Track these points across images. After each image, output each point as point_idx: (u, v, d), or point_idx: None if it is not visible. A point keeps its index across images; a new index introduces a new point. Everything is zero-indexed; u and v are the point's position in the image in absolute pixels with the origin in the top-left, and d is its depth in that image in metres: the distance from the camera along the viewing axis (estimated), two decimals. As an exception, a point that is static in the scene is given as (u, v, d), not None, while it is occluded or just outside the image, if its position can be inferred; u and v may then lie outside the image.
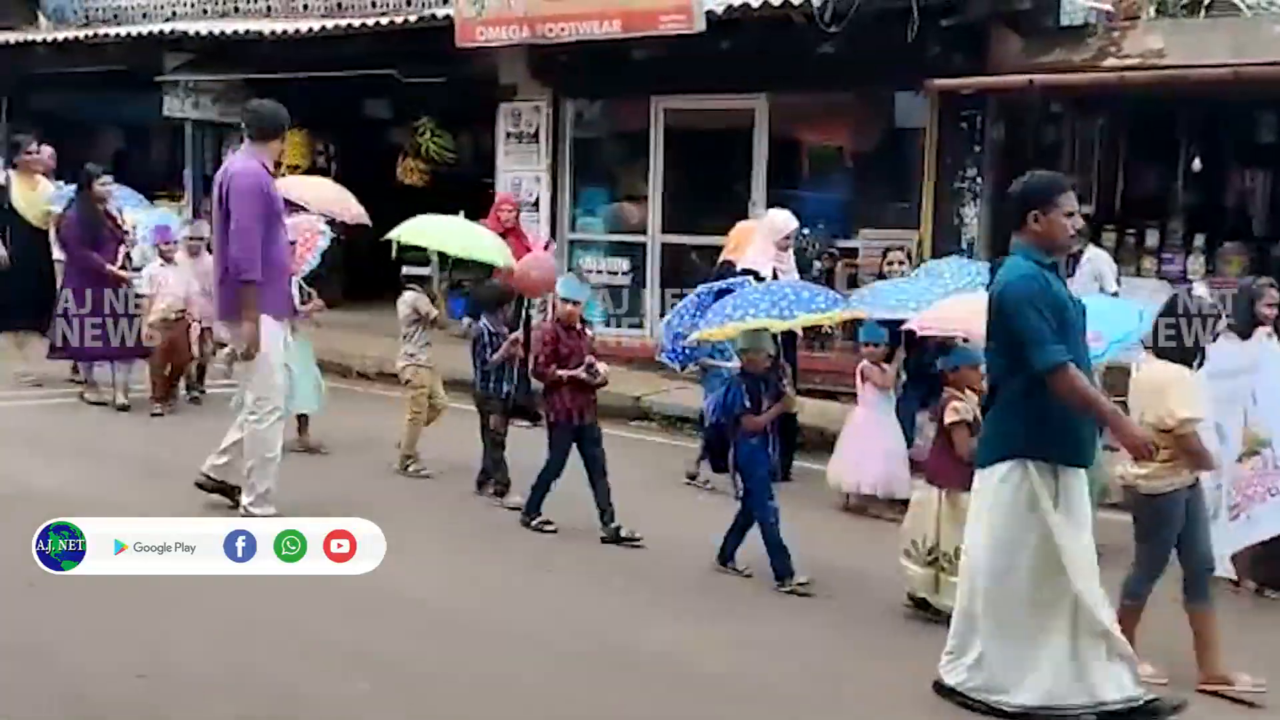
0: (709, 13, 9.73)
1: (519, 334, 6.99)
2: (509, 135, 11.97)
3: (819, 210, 10.79)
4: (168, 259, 8.99)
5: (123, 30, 13.58)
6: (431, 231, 7.34)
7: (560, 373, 6.25)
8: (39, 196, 9.67)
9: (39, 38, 14.01)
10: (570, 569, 5.86)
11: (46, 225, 9.54)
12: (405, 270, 7.52)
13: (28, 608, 4.58)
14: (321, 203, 8.91)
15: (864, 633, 5.20)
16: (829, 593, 5.56)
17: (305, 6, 12.95)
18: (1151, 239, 9.72)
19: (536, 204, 11.90)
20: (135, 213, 10.11)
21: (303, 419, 7.82)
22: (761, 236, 7.94)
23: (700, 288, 7.30)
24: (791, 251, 8.01)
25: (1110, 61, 9.23)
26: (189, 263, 9.01)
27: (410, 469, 7.37)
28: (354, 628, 4.88)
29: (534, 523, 6.36)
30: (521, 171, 11.99)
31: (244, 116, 6.30)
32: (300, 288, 7.57)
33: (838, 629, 5.21)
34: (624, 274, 11.52)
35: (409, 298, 7.41)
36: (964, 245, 9.85)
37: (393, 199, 10.54)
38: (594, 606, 5.35)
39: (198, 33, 12.75)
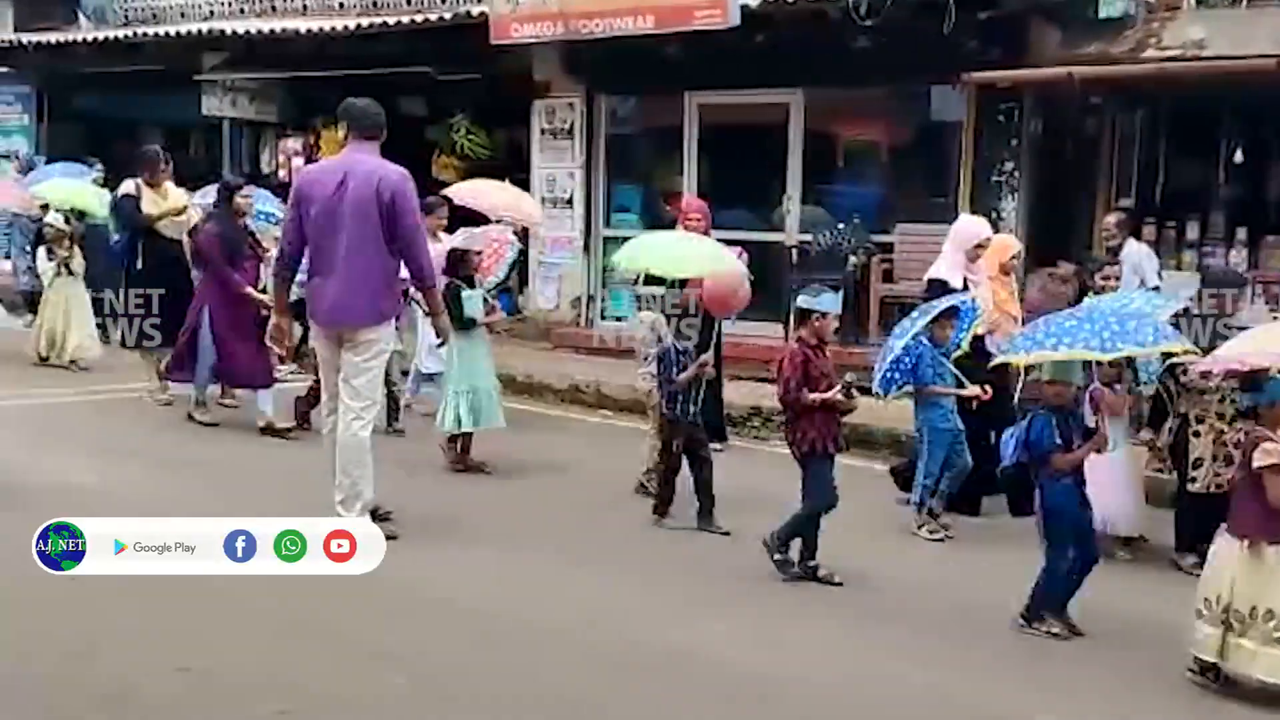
0: (743, 7, 9.70)
1: (709, 355, 6.43)
2: (543, 132, 12.00)
3: (854, 205, 10.75)
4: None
5: (161, 30, 13.71)
6: (655, 252, 6.85)
7: (814, 397, 5.56)
8: (170, 204, 9.11)
9: (79, 38, 14.16)
10: (824, 616, 5.32)
11: (180, 235, 8.96)
12: (641, 290, 6.97)
13: (72, 604, 4.61)
14: (497, 209, 8.75)
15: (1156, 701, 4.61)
16: (1103, 643, 5.02)
17: (341, 5, 13.02)
18: (1192, 232, 9.60)
19: (570, 200, 11.91)
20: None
21: (466, 437, 7.48)
22: (951, 246, 7.26)
23: (920, 308, 6.65)
24: (983, 261, 7.19)
25: (1150, 53, 9.13)
26: None
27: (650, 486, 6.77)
28: (412, 633, 4.89)
29: (789, 566, 5.66)
30: (556, 168, 12.01)
31: (352, 116, 5.99)
32: (484, 299, 7.48)
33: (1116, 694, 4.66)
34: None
35: (646, 318, 6.87)
36: (1001, 240, 9.77)
37: (427, 196, 10.57)
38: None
39: (235, 32, 12.85)
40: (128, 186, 9.07)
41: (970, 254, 7.11)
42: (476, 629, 4.93)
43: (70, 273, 10.35)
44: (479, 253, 7.57)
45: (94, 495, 6.20)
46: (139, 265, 8.91)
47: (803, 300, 5.84)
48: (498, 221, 8.92)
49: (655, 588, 5.55)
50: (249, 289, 8.28)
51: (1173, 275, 8.89)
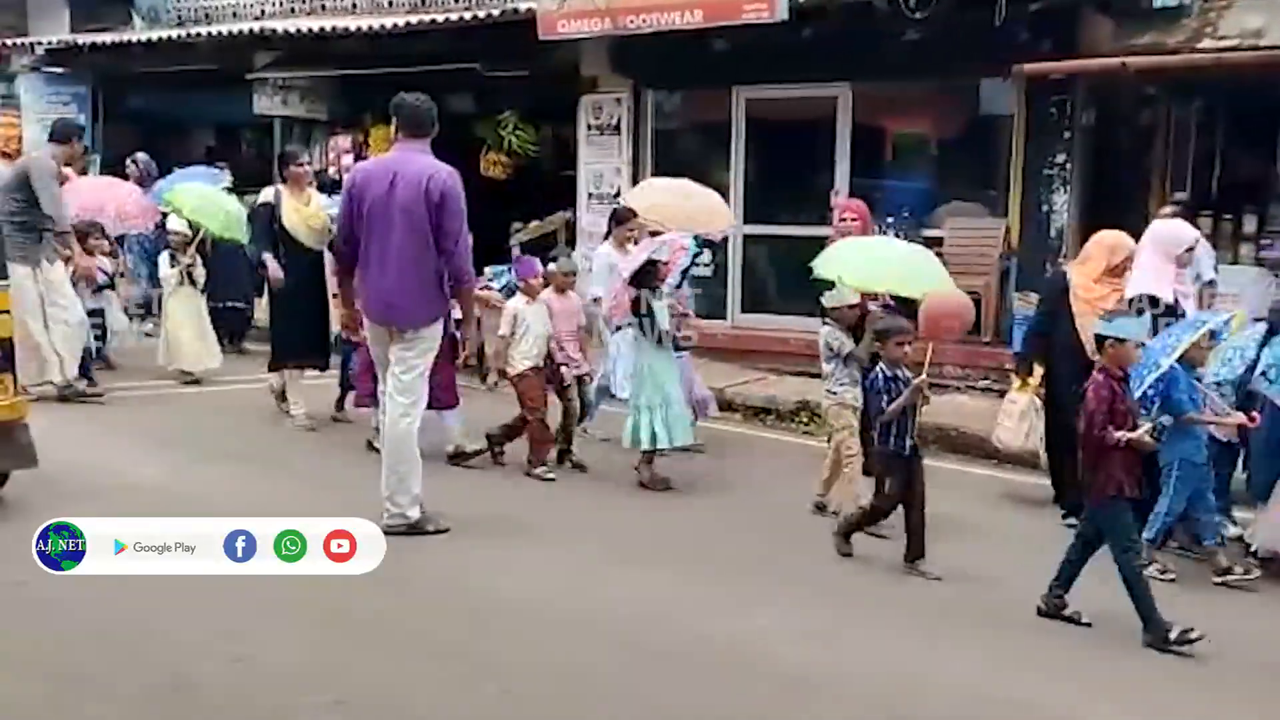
0: (791, 0, 9.65)
1: (923, 378, 5.72)
2: (590, 128, 12.01)
3: (904, 199, 10.67)
4: (531, 295, 7.49)
5: (213, 29, 13.88)
6: (859, 263, 6.44)
7: (1120, 435, 4.99)
8: (313, 211, 8.41)
9: (133, 38, 14.35)
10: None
11: (322, 244, 8.28)
12: (837, 302, 6.51)
13: (130, 593, 4.68)
14: (681, 220, 7.97)
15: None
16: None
17: (390, 2, 13.12)
18: (1249, 225, 9.44)
19: (617, 196, 11.90)
20: None
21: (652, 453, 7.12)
22: (1154, 251, 6.66)
23: (1176, 327, 6.11)
24: (1188, 270, 6.81)
25: (1207, 42, 8.98)
26: (555, 300, 7.60)
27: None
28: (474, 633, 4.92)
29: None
30: (602, 164, 12.02)
31: (403, 113, 6.00)
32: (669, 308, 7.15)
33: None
34: (705, 265, 11.45)
35: (824, 332, 6.53)
36: (1053, 234, 9.67)
37: (475, 193, 10.63)
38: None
39: (286, 30, 12.97)
40: (267, 194, 8.44)
41: (1181, 259, 6.69)
42: (635, 646, 4.84)
43: (192, 282, 9.91)
44: (666, 262, 7.15)
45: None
46: (281, 279, 8.28)
47: (1099, 326, 5.30)
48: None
49: (875, 624, 5.17)
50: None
51: (1229, 269, 8.74)
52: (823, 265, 6.53)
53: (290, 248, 8.21)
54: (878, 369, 5.82)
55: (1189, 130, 9.80)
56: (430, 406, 6.85)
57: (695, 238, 7.43)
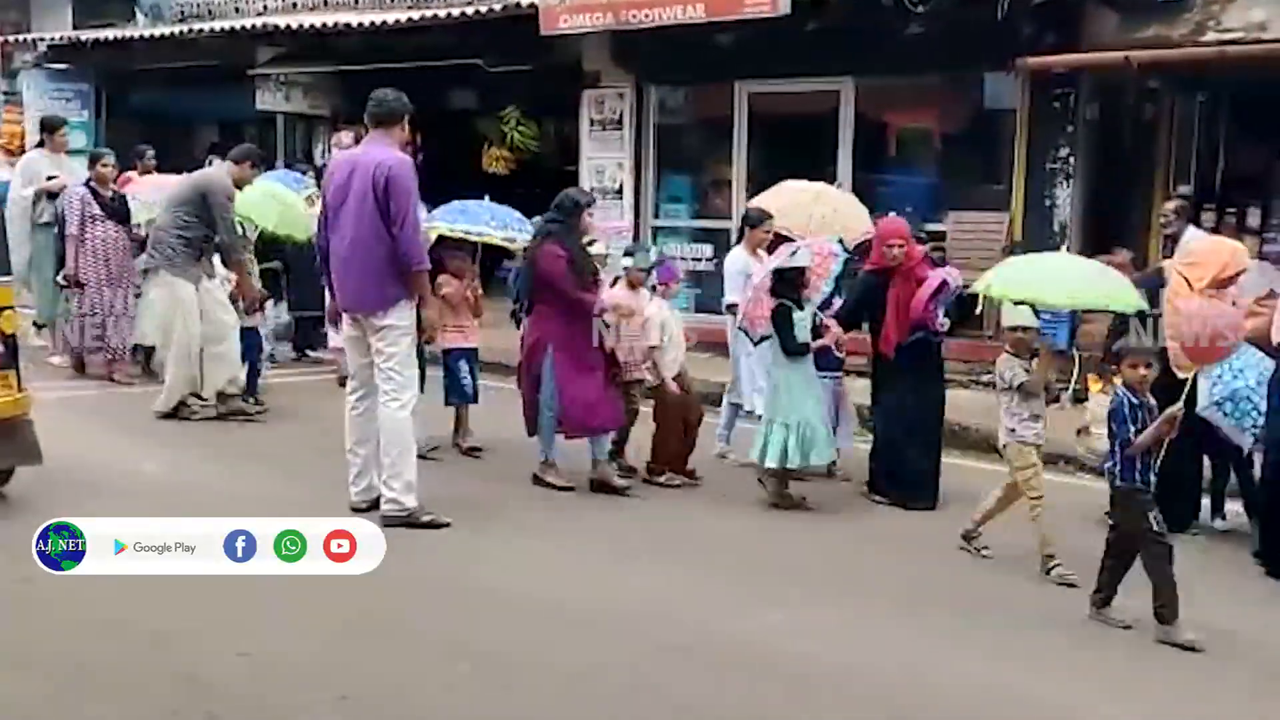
0: (793, -5, 9.64)
1: (1178, 408, 5.05)
2: (593, 123, 12.01)
3: (907, 193, 10.65)
4: (667, 299, 7.22)
5: (216, 25, 13.89)
6: (1040, 281, 5.77)
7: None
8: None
9: (135, 34, 14.38)
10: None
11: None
12: (1009, 322, 5.83)
13: (135, 590, 4.69)
14: (808, 224, 7.58)
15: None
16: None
17: (392, -1, 13.13)
18: (1253, 219, 9.43)
19: (620, 191, 11.92)
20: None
21: (786, 471, 6.65)
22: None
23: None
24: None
25: (1210, 35, 8.96)
26: (626, 297, 7.13)
27: (1054, 571, 5.60)
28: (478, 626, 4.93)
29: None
30: (605, 159, 12.01)
31: (369, 107, 6.10)
32: (814, 318, 6.68)
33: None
34: (708, 260, 11.47)
35: (1000, 360, 5.79)
36: (1056, 228, 9.66)
37: (478, 189, 10.64)
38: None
39: (288, 26, 12.98)
40: None
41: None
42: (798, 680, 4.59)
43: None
44: (809, 270, 6.71)
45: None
46: None
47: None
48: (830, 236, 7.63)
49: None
50: (606, 333, 6.88)
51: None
52: (999, 286, 5.75)
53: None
54: (1121, 396, 5.12)
55: (1192, 123, 9.79)
56: (598, 431, 6.80)
57: (842, 243, 6.98)
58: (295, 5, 13.95)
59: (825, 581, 5.59)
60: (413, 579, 5.08)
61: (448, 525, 5.93)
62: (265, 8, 14.19)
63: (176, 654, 4.42)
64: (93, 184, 9.35)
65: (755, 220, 7.57)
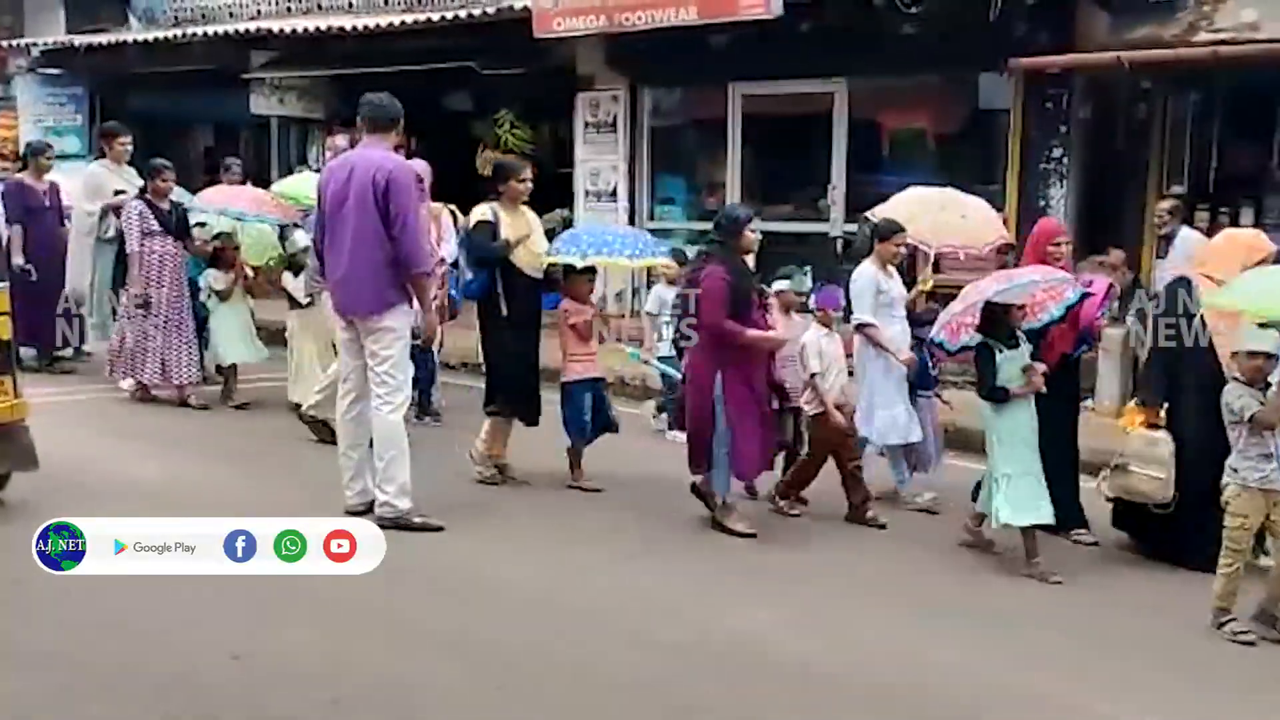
0: (786, -4, 9.66)
1: None
2: (587, 125, 12.02)
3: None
4: (827, 326, 6.56)
5: (210, 29, 13.88)
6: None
7: None
8: (528, 233, 6.93)
9: (129, 39, 14.37)
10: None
11: (539, 272, 6.88)
12: (1248, 346, 5.07)
13: (129, 591, 4.69)
14: (932, 234, 7.18)
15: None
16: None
17: (386, 1, 13.13)
18: (1246, 218, 9.43)
19: (614, 193, 11.93)
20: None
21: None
22: None
23: None
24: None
25: (1202, 36, 8.99)
26: (781, 322, 6.68)
27: (1227, 627, 5.04)
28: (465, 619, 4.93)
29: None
30: (599, 161, 12.03)
31: (361, 110, 6.08)
32: (1027, 352, 5.81)
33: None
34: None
35: (1232, 389, 5.10)
36: (1050, 227, 9.67)
37: (473, 192, 10.65)
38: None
39: (282, 30, 12.98)
40: (484, 211, 6.82)
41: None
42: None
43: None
44: (1023, 308, 5.86)
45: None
46: (504, 313, 6.77)
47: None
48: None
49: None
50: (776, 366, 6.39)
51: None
52: (1245, 303, 5.23)
53: (508, 276, 6.78)
54: None
55: (1185, 123, 9.81)
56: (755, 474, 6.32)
57: (1077, 287, 6.08)
58: (289, 9, 13.96)
59: (828, 581, 5.59)
60: (408, 578, 5.08)
61: (441, 529, 5.91)
62: (259, 12, 14.19)
63: (169, 655, 4.41)
64: (149, 197, 8.78)
65: (886, 232, 6.85)
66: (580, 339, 6.85)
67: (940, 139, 11.01)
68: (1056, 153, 9.68)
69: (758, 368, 6.14)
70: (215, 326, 8.99)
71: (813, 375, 6.37)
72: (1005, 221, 9.78)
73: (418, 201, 5.99)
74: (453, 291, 7.51)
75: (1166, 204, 8.76)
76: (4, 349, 5.95)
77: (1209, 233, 8.98)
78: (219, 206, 9.10)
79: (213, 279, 8.95)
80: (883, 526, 6.38)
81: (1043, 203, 9.71)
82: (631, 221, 11.90)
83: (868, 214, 7.36)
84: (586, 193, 12.09)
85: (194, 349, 8.87)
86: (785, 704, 4.27)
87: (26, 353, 9.25)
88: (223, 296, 8.92)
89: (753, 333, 6.01)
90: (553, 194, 12.50)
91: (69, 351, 9.96)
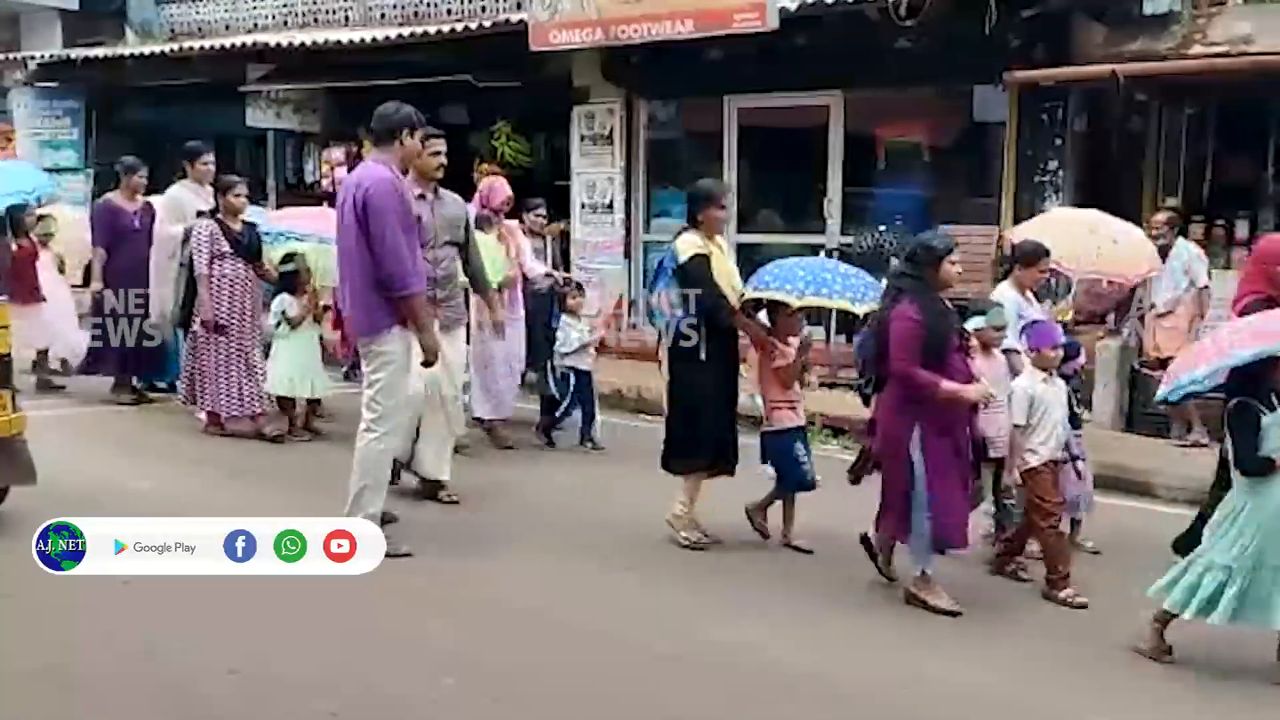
0: (782, 10, 9.69)
1: None
2: (583, 138, 12.04)
3: (897, 206, 10.70)
4: (1046, 369, 5.68)
5: (206, 43, 13.91)
6: None
7: None
8: (731, 267, 6.28)
9: (126, 52, 14.38)
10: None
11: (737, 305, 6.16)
12: None
13: (123, 604, 4.69)
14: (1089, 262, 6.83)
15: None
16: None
17: (383, 15, 13.16)
18: (1242, 230, 9.46)
19: (611, 205, 11.95)
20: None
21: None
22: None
23: None
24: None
25: (1197, 49, 9.03)
26: (980, 363, 5.85)
27: None
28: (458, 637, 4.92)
29: None
30: (595, 173, 12.04)
31: (371, 125, 5.87)
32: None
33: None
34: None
35: None
36: (1046, 240, 9.69)
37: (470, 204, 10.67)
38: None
39: (279, 44, 13.00)
40: (695, 242, 6.02)
41: None
42: None
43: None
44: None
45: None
46: (702, 357, 6.00)
47: None
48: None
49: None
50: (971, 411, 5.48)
51: (1222, 274, 8.78)
52: None
53: (717, 313, 6.09)
54: None
55: (1180, 136, 9.85)
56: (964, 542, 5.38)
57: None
58: (286, 23, 13.99)
59: (816, 591, 5.57)
60: (402, 593, 5.08)
61: (409, 555, 5.60)
62: (256, 25, 14.22)
63: (164, 668, 4.40)
64: (220, 216, 8.26)
65: (1030, 255, 6.33)
66: (782, 384, 6.13)
67: (936, 151, 11.04)
68: (1052, 165, 9.71)
69: (960, 418, 5.38)
70: (282, 356, 8.36)
71: (1016, 427, 5.59)
72: (1001, 234, 9.87)
73: (400, 218, 5.63)
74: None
75: (1162, 216, 8.78)
76: (3, 364, 5.95)
77: (1204, 244, 9.04)
78: (282, 229, 8.74)
79: (287, 304, 8.31)
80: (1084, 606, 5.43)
81: (1039, 215, 9.72)
82: (628, 234, 11.93)
83: (1005, 232, 6.79)
84: (583, 205, 12.10)
85: (259, 378, 8.35)
86: (777, 713, 4.25)
87: (99, 380, 9.29)
88: (294, 324, 8.31)
89: (950, 385, 5.17)
90: (549, 207, 12.53)
91: (160, 384, 9.52)
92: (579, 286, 8.75)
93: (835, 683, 4.53)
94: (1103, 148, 9.98)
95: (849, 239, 10.69)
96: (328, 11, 13.74)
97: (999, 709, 4.39)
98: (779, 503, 6.26)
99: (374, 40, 12.03)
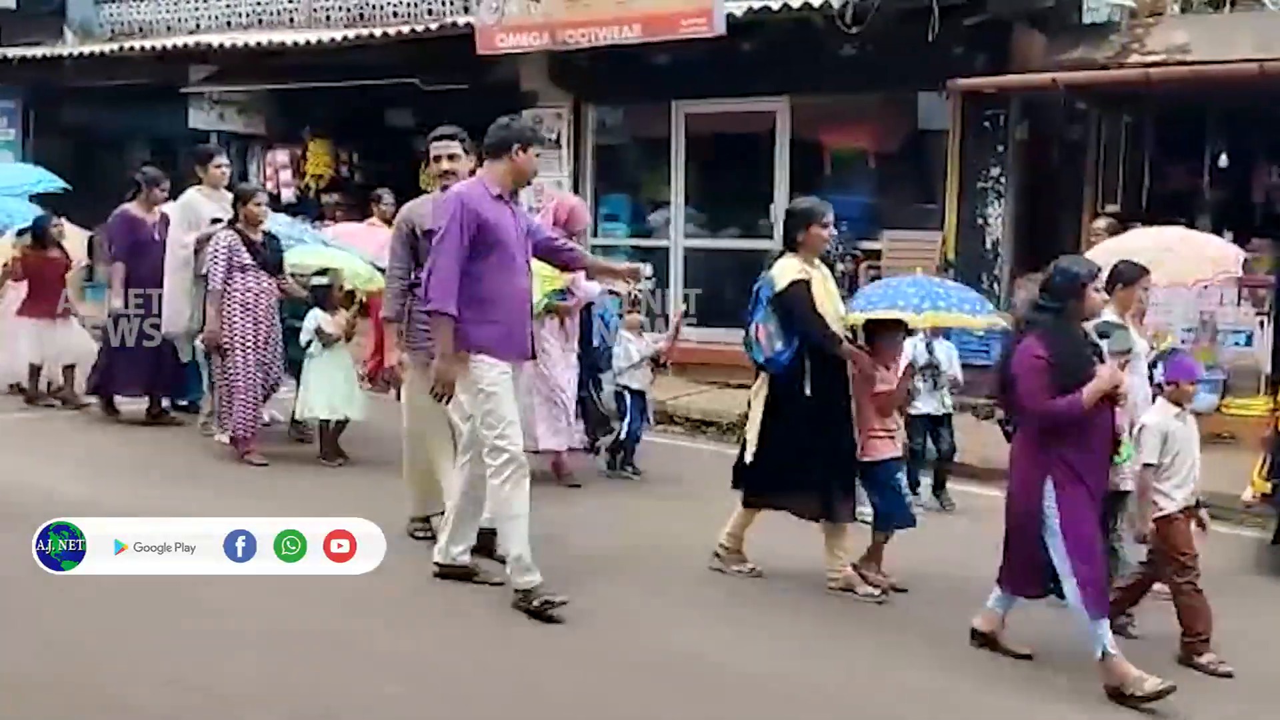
0: (729, 16, 9.73)
1: None
2: (531, 142, 11.99)
3: (842, 212, 10.58)
4: (1180, 404, 5.09)
5: (147, 43, 13.70)
6: None
7: None
8: (834, 289, 5.82)
9: (65, 52, 14.14)
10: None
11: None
12: None
13: (67, 609, 4.59)
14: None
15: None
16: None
17: (328, 17, 13.03)
18: (1179, 236, 9.62)
19: (559, 210, 11.91)
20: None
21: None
22: None
23: None
24: None
25: (1135, 58, 9.19)
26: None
27: None
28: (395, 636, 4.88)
29: None
30: (544, 178, 11.92)
31: (485, 136, 5.45)
32: None
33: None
34: (646, 278, 11.48)
35: None
36: (988, 246, 9.83)
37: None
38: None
39: (222, 45, 12.84)
40: (796, 267, 5.56)
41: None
42: None
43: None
44: None
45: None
46: (807, 392, 5.51)
47: None
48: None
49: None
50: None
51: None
52: None
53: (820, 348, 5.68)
54: None
55: (1119, 144, 10.02)
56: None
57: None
58: (230, 23, 13.81)
59: (784, 602, 5.55)
60: (360, 597, 5.03)
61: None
62: (199, 25, 14.03)
63: (102, 679, 4.29)
64: (240, 226, 7.75)
65: (1129, 276, 5.65)
66: (881, 412, 5.70)
67: (881, 158, 11.13)
68: (994, 172, 9.83)
69: (1098, 466, 4.73)
70: (319, 377, 7.80)
71: (1145, 466, 4.98)
72: (945, 240, 9.98)
73: (456, 235, 5.11)
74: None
75: (1101, 223, 8.90)
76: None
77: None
78: (342, 245, 8.44)
79: (322, 321, 7.80)
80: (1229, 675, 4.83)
81: (981, 221, 9.86)
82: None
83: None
84: (530, 209, 12.03)
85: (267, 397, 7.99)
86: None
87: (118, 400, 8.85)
88: (327, 342, 7.79)
89: (1088, 389, 4.54)
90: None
91: (180, 401, 9.04)
92: (634, 301, 8.21)
93: (799, 690, 4.50)
94: (1044, 155, 10.13)
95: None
96: (273, 12, 13.58)
97: (961, 711, 4.40)
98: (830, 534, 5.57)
99: (320, 42, 11.92)
